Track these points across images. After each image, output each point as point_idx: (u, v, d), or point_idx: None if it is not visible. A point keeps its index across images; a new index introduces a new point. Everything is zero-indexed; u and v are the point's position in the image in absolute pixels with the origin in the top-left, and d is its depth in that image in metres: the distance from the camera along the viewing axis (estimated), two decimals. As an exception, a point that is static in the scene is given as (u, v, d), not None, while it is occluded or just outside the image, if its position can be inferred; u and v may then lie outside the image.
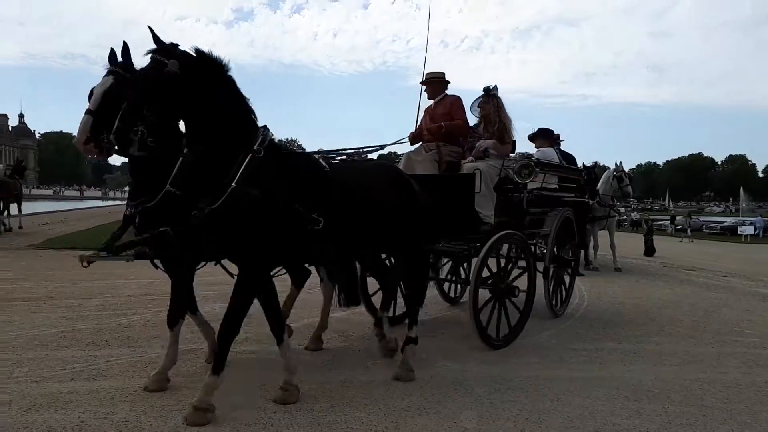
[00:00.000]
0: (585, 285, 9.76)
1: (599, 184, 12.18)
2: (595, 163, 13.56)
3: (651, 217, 31.71)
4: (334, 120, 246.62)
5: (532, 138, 8.06)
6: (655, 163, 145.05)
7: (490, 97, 6.03)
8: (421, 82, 6.36)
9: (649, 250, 16.16)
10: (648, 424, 3.87)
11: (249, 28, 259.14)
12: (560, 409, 4.08)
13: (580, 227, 7.73)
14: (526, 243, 5.88)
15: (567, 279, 7.45)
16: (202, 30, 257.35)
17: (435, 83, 6.27)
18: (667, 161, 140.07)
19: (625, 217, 31.65)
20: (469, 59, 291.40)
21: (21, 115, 75.76)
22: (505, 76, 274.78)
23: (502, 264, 5.71)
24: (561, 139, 9.16)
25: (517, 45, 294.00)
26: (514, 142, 6.31)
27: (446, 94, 6.28)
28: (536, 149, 7.97)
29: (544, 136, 8.34)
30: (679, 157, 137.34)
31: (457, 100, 6.16)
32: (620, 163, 12.77)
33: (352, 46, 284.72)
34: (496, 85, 6.04)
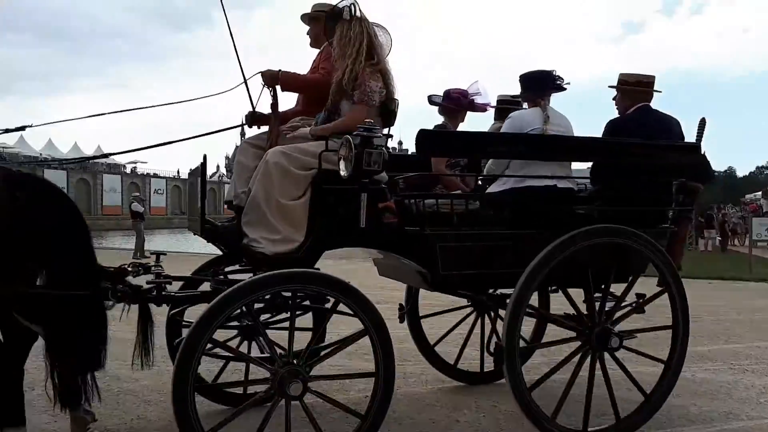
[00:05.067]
0: None
1: None
2: None
3: None
4: (742, 132, 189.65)
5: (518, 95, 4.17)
6: None
7: (337, 21, 3.34)
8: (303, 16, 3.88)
9: None
10: None
11: (639, 39, 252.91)
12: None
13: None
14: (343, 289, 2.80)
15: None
16: (591, 48, 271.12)
17: (316, 24, 3.75)
18: None
19: None
20: (692, 26, 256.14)
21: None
22: (739, 46, 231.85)
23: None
24: (658, 90, 3.84)
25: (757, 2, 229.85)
26: (390, 101, 3.38)
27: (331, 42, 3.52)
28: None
29: (532, 89, 3.78)
30: None
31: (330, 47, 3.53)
32: None
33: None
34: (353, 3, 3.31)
